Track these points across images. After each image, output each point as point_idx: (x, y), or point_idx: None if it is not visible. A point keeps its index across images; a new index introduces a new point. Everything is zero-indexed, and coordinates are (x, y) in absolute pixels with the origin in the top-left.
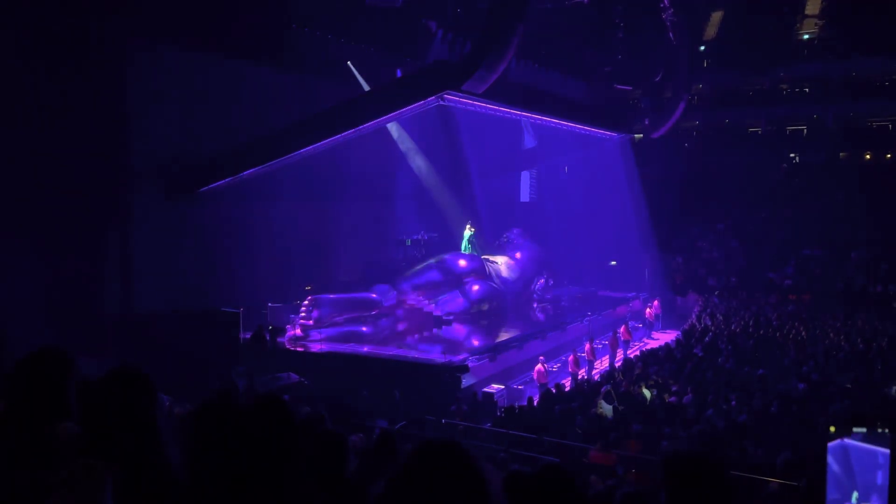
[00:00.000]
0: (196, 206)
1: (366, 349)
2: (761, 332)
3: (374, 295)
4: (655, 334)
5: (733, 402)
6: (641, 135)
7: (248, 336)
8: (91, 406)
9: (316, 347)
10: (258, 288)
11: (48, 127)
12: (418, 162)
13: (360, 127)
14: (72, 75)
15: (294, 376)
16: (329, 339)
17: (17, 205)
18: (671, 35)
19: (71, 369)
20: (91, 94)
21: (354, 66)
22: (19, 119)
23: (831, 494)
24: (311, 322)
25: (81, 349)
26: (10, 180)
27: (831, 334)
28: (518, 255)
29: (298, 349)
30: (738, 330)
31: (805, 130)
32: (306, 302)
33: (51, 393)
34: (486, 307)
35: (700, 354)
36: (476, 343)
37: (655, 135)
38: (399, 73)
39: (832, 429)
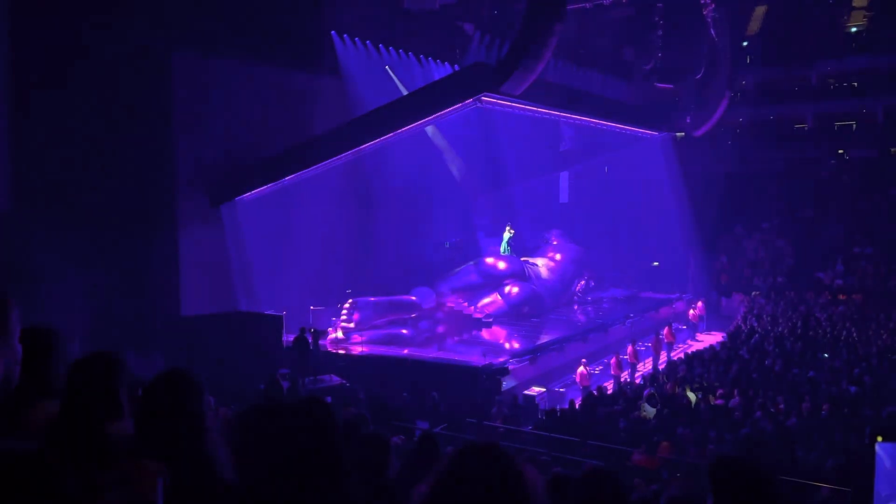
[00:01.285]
0: (240, 211)
1: (406, 351)
2: (810, 333)
3: (413, 298)
4: (699, 336)
5: (781, 405)
6: (683, 133)
7: (291, 339)
8: (143, 407)
9: (357, 350)
10: (300, 291)
11: (101, 136)
12: (456, 164)
13: (399, 131)
14: (120, 85)
15: (336, 378)
16: (370, 342)
17: (73, 210)
18: (713, 31)
19: (123, 371)
20: (140, 103)
21: (392, 71)
22: (73, 128)
23: (882, 490)
24: (352, 325)
25: (132, 350)
26: (67, 187)
27: (884, 335)
28: (558, 256)
29: (340, 351)
30: (785, 331)
31: (854, 125)
32: (347, 305)
33: (104, 394)
34: (525, 309)
35: (746, 356)
36: (516, 345)
37: (698, 132)
38: (437, 77)
39: (879, 438)
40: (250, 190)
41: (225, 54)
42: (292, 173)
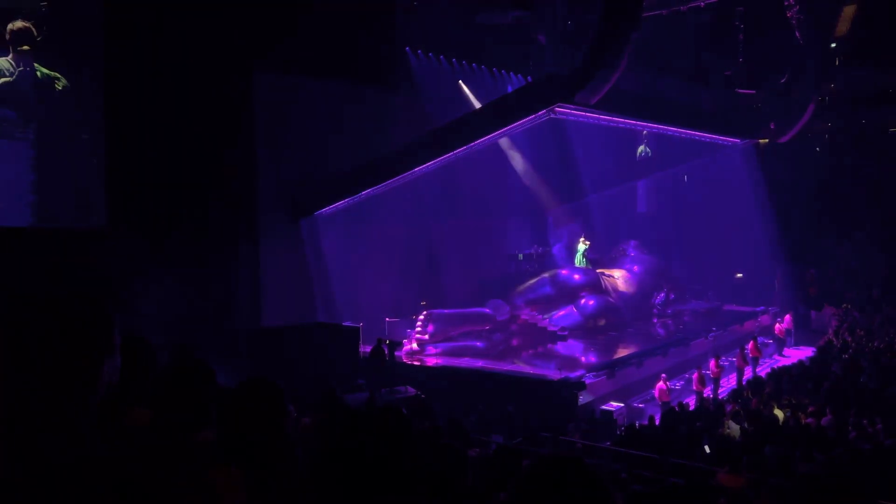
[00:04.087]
0: (318, 225)
1: (480, 364)
2: None
3: (487, 310)
4: (787, 351)
5: (879, 426)
6: (767, 140)
7: (367, 350)
8: (227, 414)
9: (431, 361)
10: (376, 303)
11: (186, 154)
12: (530, 175)
13: (473, 144)
14: (204, 104)
15: (411, 389)
16: (444, 354)
17: (161, 226)
18: (797, 34)
19: (210, 381)
20: (223, 121)
21: (465, 84)
22: (160, 147)
23: None
24: (426, 336)
25: (215, 360)
26: (156, 204)
27: None
28: (635, 268)
29: (415, 363)
30: (881, 346)
31: None
32: (422, 317)
33: (192, 403)
34: (602, 322)
35: (839, 373)
36: (592, 359)
37: (782, 139)
38: (509, 89)
39: None
40: (328, 204)
41: (302, 72)
42: (369, 187)
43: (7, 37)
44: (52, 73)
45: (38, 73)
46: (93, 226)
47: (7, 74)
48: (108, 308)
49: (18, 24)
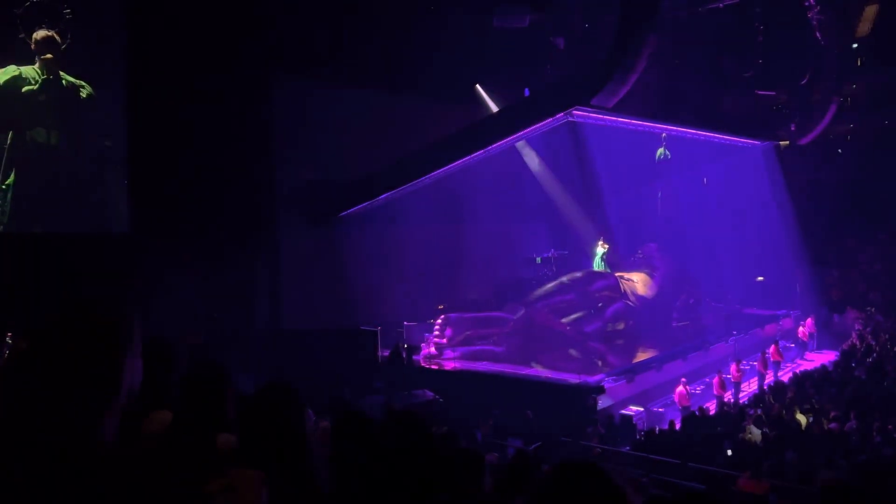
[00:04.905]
0: (336, 229)
1: (498, 368)
2: None
3: (505, 313)
4: (809, 355)
5: None
6: (787, 141)
7: (386, 353)
8: (246, 418)
9: (449, 365)
10: (394, 307)
11: (208, 160)
12: (547, 179)
13: (489, 147)
14: (226, 110)
15: (429, 393)
16: (462, 357)
17: (183, 231)
18: (818, 34)
19: (230, 384)
20: (244, 127)
21: (483, 89)
22: (182, 153)
23: None
24: (444, 340)
25: (236, 363)
26: (177, 209)
27: None
28: (655, 271)
29: (433, 367)
30: None
31: None
32: (440, 320)
33: (213, 406)
34: (621, 326)
35: (863, 377)
36: (612, 363)
37: (803, 141)
38: (527, 93)
39: None
40: (347, 208)
41: (320, 76)
42: (387, 192)
43: (32, 46)
44: (78, 80)
45: (63, 82)
46: (115, 231)
47: (33, 83)
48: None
49: (43, 32)
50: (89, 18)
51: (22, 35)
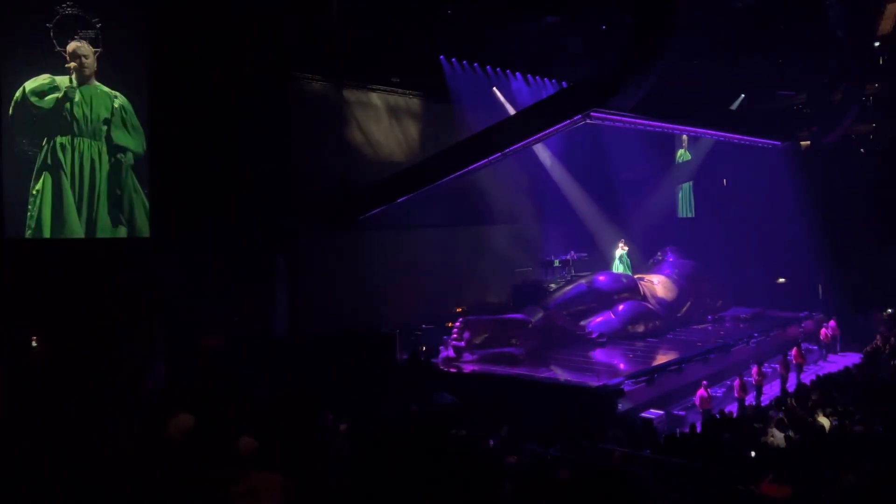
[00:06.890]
0: (355, 233)
1: (517, 371)
2: None
3: (523, 316)
4: (832, 357)
5: None
6: (809, 142)
7: (404, 357)
8: (267, 421)
9: (468, 368)
10: (412, 310)
11: (225, 164)
12: (566, 181)
13: (507, 150)
14: (242, 113)
15: (448, 397)
16: (481, 360)
17: (201, 236)
18: (839, 33)
19: (250, 388)
20: (261, 131)
21: (500, 91)
22: (199, 157)
23: None
24: (462, 343)
25: (254, 368)
26: (195, 214)
27: None
28: (675, 273)
29: (451, 370)
30: None
31: None
32: (457, 324)
33: (234, 408)
34: (640, 328)
35: (887, 380)
36: (631, 366)
37: (825, 141)
38: (544, 95)
39: None
40: (365, 212)
41: (339, 79)
42: (405, 195)
43: (67, 58)
44: (112, 90)
45: (97, 91)
46: (137, 237)
47: (66, 92)
48: (153, 316)
49: (75, 43)
50: (115, 30)
51: (58, 49)
